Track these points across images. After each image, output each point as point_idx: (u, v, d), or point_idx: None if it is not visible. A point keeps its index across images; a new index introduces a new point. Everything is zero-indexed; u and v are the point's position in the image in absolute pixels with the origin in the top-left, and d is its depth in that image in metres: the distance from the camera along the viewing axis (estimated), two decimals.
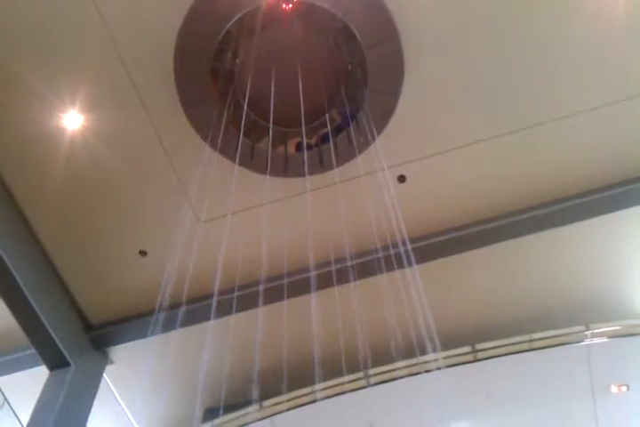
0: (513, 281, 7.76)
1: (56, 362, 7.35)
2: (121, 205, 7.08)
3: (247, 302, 5.93)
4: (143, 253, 7.36)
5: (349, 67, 6.29)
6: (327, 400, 7.27)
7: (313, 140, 6.64)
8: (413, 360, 7.13)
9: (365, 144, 6.45)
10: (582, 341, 7.19)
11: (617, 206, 6.98)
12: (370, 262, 6.53)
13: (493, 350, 7.38)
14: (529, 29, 6.09)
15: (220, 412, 7.05)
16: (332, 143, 6.42)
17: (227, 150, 6.37)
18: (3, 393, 7.67)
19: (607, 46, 6.16)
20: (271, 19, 5.93)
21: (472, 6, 5.94)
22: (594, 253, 7.53)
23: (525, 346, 7.33)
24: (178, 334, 6.29)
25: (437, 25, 6.03)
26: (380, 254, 5.90)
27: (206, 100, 6.16)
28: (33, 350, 7.30)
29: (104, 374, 8.00)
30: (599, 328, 7.23)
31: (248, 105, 6.23)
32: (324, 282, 5.89)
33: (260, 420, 7.37)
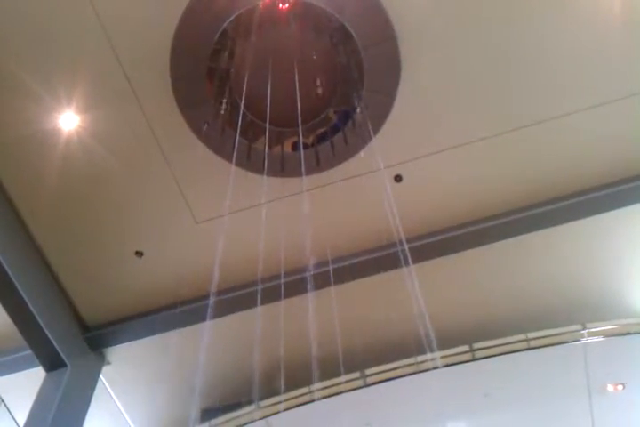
0: (510, 280, 7.76)
1: (53, 363, 7.33)
2: (117, 205, 7.06)
3: (244, 303, 5.94)
4: (140, 253, 7.35)
5: (346, 67, 6.28)
6: (324, 400, 7.26)
7: (309, 140, 6.64)
8: (411, 360, 7.15)
9: (362, 144, 6.45)
10: (579, 340, 7.20)
11: (613, 205, 6.99)
12: (367, 262, 6.55)
13: (491, 349, 7.38)
14: (526, 29, 6.10)
15: (218, 412, 7.06)
16: (328, 143, 6.42)
17: (223, 150, 6.37)
18: None
19: (603, 46, 6.17)
20: (267, 18, 5.93)
21: (468, 7, 5.94)
22: (590, 252, 7.54)
23: (523, 345, 7.34)
24: (175, 335, 6.31)
25: (434, 25, 6.03)
26: (377, 254, 5.92)
27: (203, 101, 6.16)
28: (29, 351, 7.27)
29: (101, 375, 7.98)
30: (596, 327, 7.24)
31: (244, 105, 6.21)
32: (321, 282, 5.88)
33: (256, 420, 7.36)
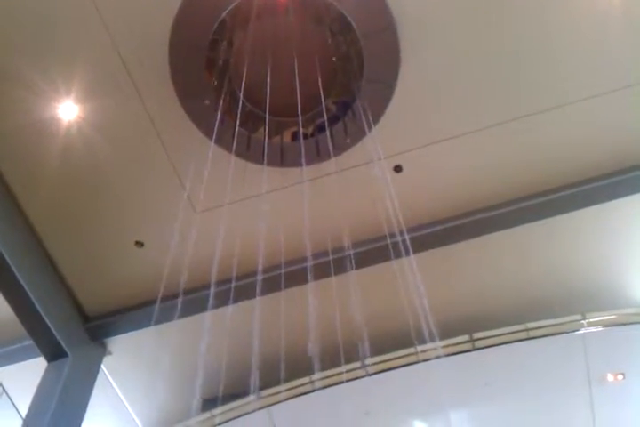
0: (510, 270, 7.78)
1: (54, 353, 7.36)
2: (117, 195, 7.06)
3: (244, 293, 5.92)
4: (140, 244, 7.36)
5: (345, 56, 6.26)
6: (325, 390, 7.28)
7: (309, 130, 6.62)
8: (411, 350, 7.16)
9: (361, 134, 6.44)
10: (579, 330, 7.22)
11: (613, 195, 6.98)
12: (367, 252, 6.56)
13: (491, 339, 7.40)
14: (527, 19, 6.07)
15: (219, 402, 7.07)
16: (328, 133, 6.41)
17: (223, 140, 6.35)
18: (1, 384, 7.67)
19: (604, 35, 6.14)
20: (266, 8, 5.91)
21: None
22: (590, 242, 7.54)
23: (523, 335, 7.36)
24: (175, 325, 6.30)
25: (434, 14, 6.00)
26: (378, 244, 5.92)
27: (202, 91, 6.14)
28: (31, 342, 7.30)
29: (102, 365, 8.01)
30: (595, 317, 7.26)
31: (244, 95, 6.21)
32: (322, 272, 5.88)
33: (257, 410, 7.39)
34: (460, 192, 7.16)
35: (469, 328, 7.51)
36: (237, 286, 5.91)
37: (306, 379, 7.45)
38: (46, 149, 6.47)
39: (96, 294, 7.81)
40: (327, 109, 6.57)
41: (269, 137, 6.58)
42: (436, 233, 7.11)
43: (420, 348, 6.96)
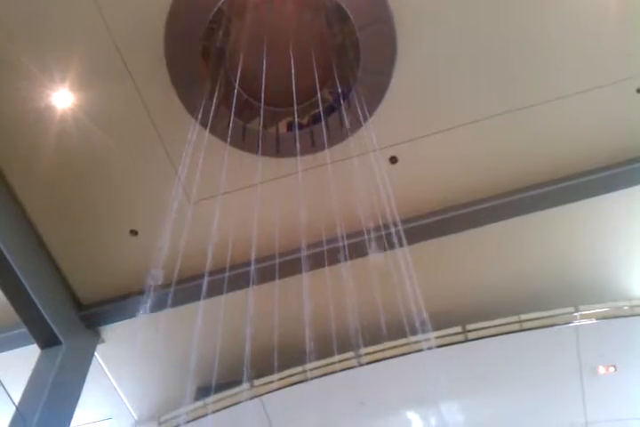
0: (503, 262, 7.80)
1: (47, 341, 7.36)
2: (112, 184, 7.06)
3: (238, 282, 5.94)
4: (134, 232, 7.36)
5: (342, 47, 6.24)
6: (318, 380, 7.31)
7: (305, 121, 6.61)
8: (404, 340, 7.18)
9: (357, 125, 6.43)
10: (571, 322, 7.24)
11: (608, 189, 6.99)
12: (361, 243, 6.55)
13: (484, 330, 7.42)
14: (525, 9, 6.06)
15: (212, 391, 7.10)
16: (323, 123, 6.40)
17: (218, 130, 6.34)
18: None
19: (603, 27, 6.14)
20: None
21: None
22: (583, 235, 7.56)
23: (516, 327, 7.38)
24: (169, 314, 6.31)
25: (431, 5, 5.99)
26: (372, 235, 5.93)
27: (197, 80, 6.13)
28: (24, 329, 7.30)
29: (95, 353, 8.02)
30: (588, 310, 7.28)
31: (239, 84, 6.19)
32: (316, 262, 5.90)
33: (250, 399, 7.41)
34: (455, 184, 7.16)
35: (462, 320, 7.52)
36: (231, 276, 5.93)
37: (299, 368, 7.47)
38: (41, 137, 6.45)
39: (90, 282, 7.81)
40: (323, 100, 6.57)
41: (265, 127, 6.58)
42: (431, 224, 7.11)
43: (412, 339, 7.00)
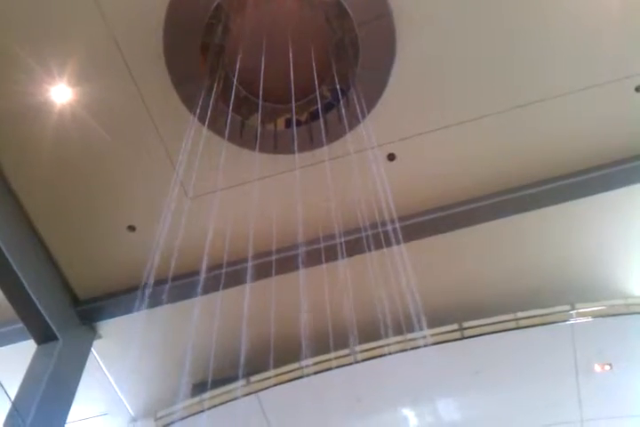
0: (500, 260, 7.80)
1: (44, 336, 7.35)
2: (110, 179, 7.05)
3: (235, 279, 5.94)
4: (132, 228, 7.35)
5: (340, 43, 6.24)
6: (314, 376, 7.31)
7: (303, 117, 6.61)
8: (401, 337, 7.19)
9: (355, 122, 6.43)
10: (567, 320, 7.25)
11: (604, 187, 7.01)
12: (358, 240, 6.56)
13: (480, 328, 7.43)
14: (525, 6, 6.05)
15: (208, 387, 7.10)
16: (321, 120, 6.40)
17: (216, 126, 6.34)
18: None
19: (601, 25, 6.14)
20: None
21: None
22: (580, 233, 7.57)
23: (512, 324, 7.39)
24: (166, 310, 6.32)
25: (430, 2, 5.98)
26: (369, 232, 5.93)
27: (196, 75, 6.12)
28: (21, 324, 7.29)
29: (92, 349, 8.02)
30: (584, 308, 7.30)
31: (238, 80, 6.18)
32: (313, 259, 5.90)
33: (246, 395, 7.42)
34: (453, 181, 7.16)
35: (459, 317, 7.53)
36: (228, 272, 5.94)
37: (296, 365, 7.47)
38: (39, 132, 6.44)
39: (87, 277, 7.80)
40: (322, 96, 6.56)
41: (263, 123, 6.57)
42: (428, 222, 7.12)
43: (409, 336, 7.01)
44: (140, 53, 6.10)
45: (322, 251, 5.78)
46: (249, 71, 6.02)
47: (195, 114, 6.24)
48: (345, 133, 6.56)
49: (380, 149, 6.53)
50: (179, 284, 6.48)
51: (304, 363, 7.30)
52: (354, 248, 6.28)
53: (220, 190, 6.46)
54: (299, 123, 6.54)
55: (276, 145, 6.61)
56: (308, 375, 7.31)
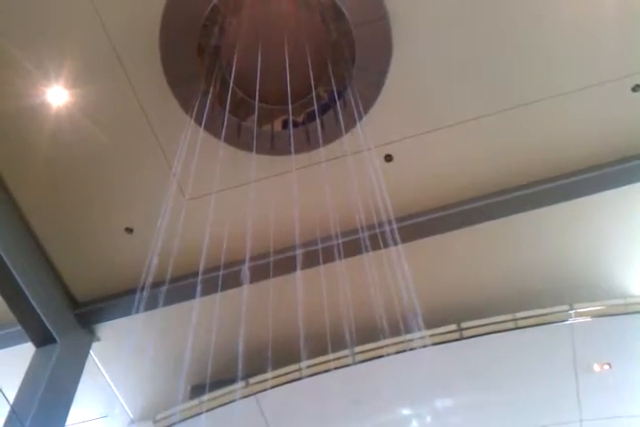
0: (499, 261, 7.81)
1: (42, 339, 7.36)
2: (107, 181, 7.05)
3: (233, 280, 5.93)
4: (129, 230, 7.35)
5: (337, 45, 6.23)
6: (313, 378, 7.31)
7: (300, 118, 6.61)
8: (399, 338, 7.18)
9: (352, 123, 6.42)
10: (566, 320, 7.25)
11: (602, 187, 7.02)
12: (356, 241, 6.55)
13: (479, 328, 7.43)
14: (521, 8, 6.05)
15: (206, 389, 7.09)
16: (318, 121, 6.40)
17: (213, 127, 6.34)
18: None
19: (601, 25, 6.14)
20: None
21: None
22: (578, 233, 7.57)
23: (511, 325, 7.38)
24: (164, 312, 6.31)
25: (427, 3, 5.98)
26: (366, 233, 5.93)
27: (192, 77, 6.11)
28: (19, 327, 7.29)
29: (91, 352, 8.01)
30: (583, 308, 7.29)
31: (234, 82, 6.18)
32: (310, 260, 5.90)
33: (245, 397, 7.41)
34: (451, 182, 7.16)
35: (457, 318, 7.53)
36: (226, 274, 5.93)
37: (294, 366, 7.46)
38: (35, 134, 6.44)
39: (85, 280, 7.81)
40: (319, 98, 6.56)
41: (260, 125, 6.57)
42: (425, 223, 7.12)
43: (408, 336, 7.00)
44: (137, 55, 6.11)
45: (319, 252, 5.78)
46: (245, 72, 6.03)
47: (191, 115, 6.24)
48: (342, 135, 6.55)
49: (377, 150, 6.52)
50: (177, 286, 6.47)
51: (303, 364, 7.29)
52: (351, 249, 6.27)
53: (217, 192, 6.45)
54: (295, 124, 6.53)
55: (272, 146, 6.61)
56: (306, 377, 7.31)
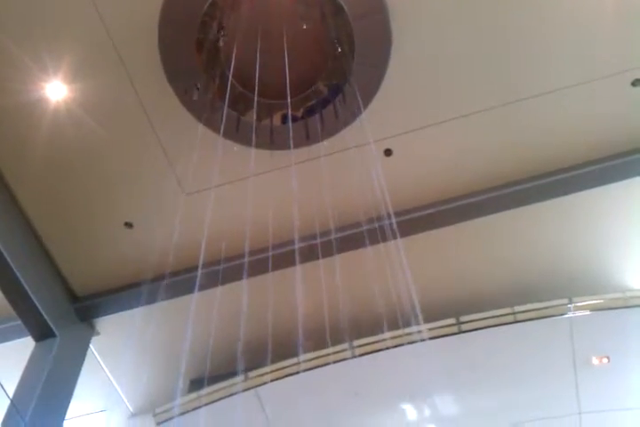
0: (498, 255, 7.82)
1: (42, 333, 7.36)
2: (106, 176, 7.04)
3: (232, 275, 5.95)
4: (129, 225, 7.35)
5: (336, 39, 6.23)
6: (312, 371, 7.32)
7: (299, 113, 6.61)
8: (398, 332, 7.20)
9: (352, 117, 6.43)
10: (565, 313, 7.26)
11: (601, 181, 7.01)
12: (355, 235, 6.57)
13: (478, 322, 7.44)
14: (519, 4, 6.05)
15: (205, 383, 7.12)
16: (318, 116, 6.40)
17: (212, 122, 6.34)
18: None
19: (596, 23, 6.13)
20: None
21: None
22: (577, 227, 7.58)
23: (510, 318, 7.40)
24: (164, 306, 6.33)
25: None
26: (365, 228, 5.94)
27: (191, 72, 6.11)
28: (18, 322, 7.30)
29: (90, 346, 8.03)
30: (582, 302, 7.30)
31: (233, 77, 6.17)
32: (309, 255, 5.91)
33: (244, 391, 7.43)
34: (450, 176, 7.16)
35: (456, 311, 7.54)
36: (225, 268, 5.95)
37: (293, 360, 7.48)
38: (34, 129, 6.43)
39: (85, 274, 7.81)
40: (318, 92, 6.57)
41: (259, 119, 6.57)
42: (424, 217, 7.13)
43: (406, 330, 7.01)
44: (136, 50, 6.09)
45: (319, 246, 5.79)
46: (244, 67, 6.02)
47: (190, 110, 6.25)
48: (341, 129, 6.56)
49: (376, 145, 6.52)
50: (176, 280, 6.50)
51: (301, 358, 7.31)
52: (350, 243, 6.30)
53: (217, 186, 6.46)
54: (295, 119, 6.53)
55: (272, 141, 6.60)
56: (305, 371, 7.32)
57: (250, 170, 6.42)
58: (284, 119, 6.66)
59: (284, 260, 6.05)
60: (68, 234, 7.44)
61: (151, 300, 6.11)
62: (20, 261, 6.81)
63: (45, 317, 7.21)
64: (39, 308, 7.09)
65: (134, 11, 5.85)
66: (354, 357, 7.36)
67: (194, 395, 7.56)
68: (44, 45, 5.97)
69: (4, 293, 7.01)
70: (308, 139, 6.59)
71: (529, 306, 7.40)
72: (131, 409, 9.12)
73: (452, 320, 7.48)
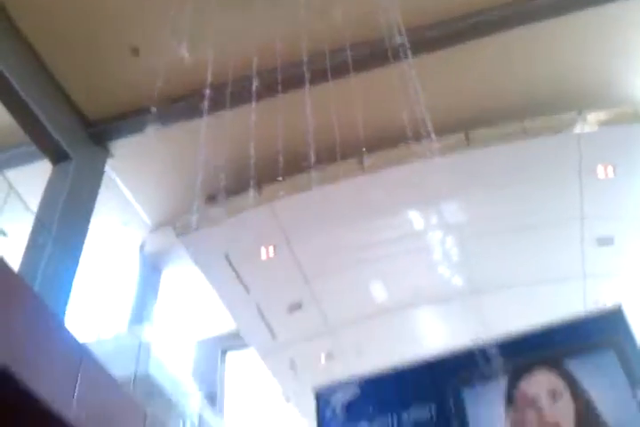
0: (510, 68, 7.71)
1: (57, 156, 7.56)
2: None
3: (242, 97, 5.91)
4: (135, 51, 7.17)
5: None
6: (325, 187, 7.39)
7: None
8: (409, 147, 7.23)
9: None
10: (574, 126, 7.25)
11: None
12: (367, 55, 6.42)
13: (488, 137, 7.45)
14: None
15: (220, 197, 7.29)
16: None
17: None
18: (9, 183, 7.83)
19: None
20: None
21: None
22: (590, 41, 7.37)
23: (519, 132, 7.39)
24: (176, 130, 6.39)
25: None
26: (378, 47, 5.76)
27: None
28: (34, 147, 7.47)
29: (107, 167, 8.21)
30: (592, 115, 7.27)
31: None
32: (320, 75, 5.83)
33: (259, 205, 7.65)
34: None
35: (466, 127, 7.54)
36: (233, 90, 5.87)
37: (305, 176, 7.57)
38: None
39: (95, 99, 7.81)
40: None
41: None
42: (437, 35, 6.91)
43: (417, 146, 7.02)
44: None
45: (327, 66, 5.68)
46: None
47: None
48: None
49: None
50: (186, 103, 6.50)
51: (313, 174, 7.41)
52: (363, 64, 6.17)
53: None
54: None
55: None
56: (318, 186, 7.42)
57: None
58: None
59: (294, 81, 5.98)
60: (75, 60, 7.34)
61: (163, 123, 6.12)
62: (26, 87, 6.84)
63: (59, 140, 7.33)
64: (51, 132, 7.19)
65: None
66: (364, 174, 7.49)
67: (214, 209, 7.76)
68: None
69: (14, 117, 7.06)
70: None
71: (539, 120, 7.38)
72: (150, 224, 9.51)
73: (461, 135, 7.49)
